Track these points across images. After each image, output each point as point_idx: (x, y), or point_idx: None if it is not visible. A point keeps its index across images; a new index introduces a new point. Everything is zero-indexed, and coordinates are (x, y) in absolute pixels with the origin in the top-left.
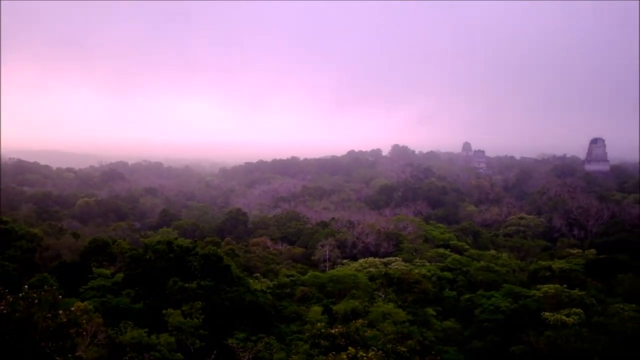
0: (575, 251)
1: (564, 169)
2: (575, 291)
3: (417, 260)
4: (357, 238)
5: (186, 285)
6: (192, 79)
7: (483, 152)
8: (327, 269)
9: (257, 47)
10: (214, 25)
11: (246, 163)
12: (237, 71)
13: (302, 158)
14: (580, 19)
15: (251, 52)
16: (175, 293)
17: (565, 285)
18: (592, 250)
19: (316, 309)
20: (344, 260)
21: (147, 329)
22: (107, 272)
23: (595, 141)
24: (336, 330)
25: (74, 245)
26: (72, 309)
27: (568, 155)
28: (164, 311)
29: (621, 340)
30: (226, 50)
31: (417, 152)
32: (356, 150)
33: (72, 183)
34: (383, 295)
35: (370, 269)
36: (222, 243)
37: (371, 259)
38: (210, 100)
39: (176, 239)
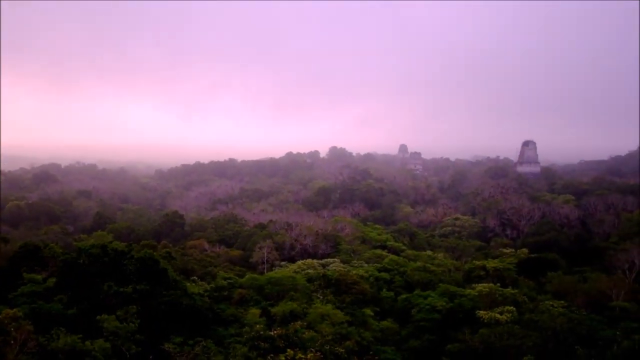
0: (508, 250)
1: (497, 171)
2: (508, 289)
3: (355, 261)
4: (295, 240)
5: (121, 289)
6: (129, 80)
7: (419, 154)
8: (265, 271)
9: (197, 47)
10: (154, 24)
11: (183, 165)
12: (176, 71)
13: (240, 160)
14: (522, 21)
15: (191, 52)
16: (110, 298)
17: (498, 284)
18: (524, 250)
19: (254, 311)
20: (282, 262)
21: (81, 335)
22: (39, 277)
23: (526, 144)
24: (275, 332)
25: (3, 250)
26: (0, 316)
27: (501, 157)
28: (98, 316)
29: (551, 336)
30: (166, 50)
31: (354, 154)
32: (294, 152)
33: (1, 185)
34: (321, 297)
35: (309, 271)
36: (159, 246)
37: (309, 260)
38: (147, 101)
39: (111, 242)
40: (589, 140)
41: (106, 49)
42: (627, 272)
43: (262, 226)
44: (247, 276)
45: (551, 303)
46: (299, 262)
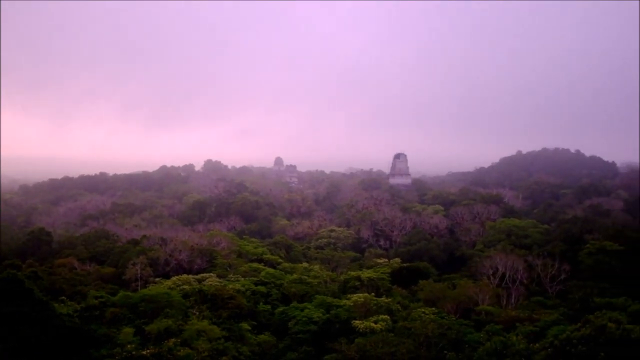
0: (381, 260)
1: (370, 183)
2: (383, 298)
3: (231, 275)
4: (170, 255)
5: None
6: None
7: (294, 166)
8: (139, 288)
9: (67, 50)
10: (22, 24)
11: (50, 179)
12: (42, 77)
13: (111, 174)
14: (401, 33)
15: (61, 55)
16: None
17: (373, 294)
18: (397, 259)
19: (127, 330)
20: (157, 279)
21: None
22: None
23: (398, 156)
24: (148, 351)
25: None
26: None
27: (374, 170)
28: None
29: (423, 342)
30: (32, 53)
31: (230, 167)
32: (168, 165)
33: None
34: (197, 313)
35: (184, 286)
36: (24, 266)
37: (185, 276)
38: (10, 110)
39: None
40: (457, 152)
41: None
42: (491, 277)
43: (135, 242)
44: (120, 294)
45: (423, 310)
46: (174, 278)
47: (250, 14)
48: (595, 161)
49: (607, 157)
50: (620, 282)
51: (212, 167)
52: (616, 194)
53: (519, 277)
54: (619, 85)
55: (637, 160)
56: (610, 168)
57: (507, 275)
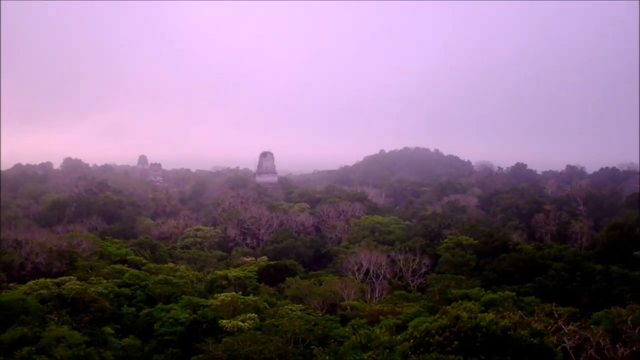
0: (249, 259)
1: (237, 181)
2: (250, 297)
3: (93, 277)
4: (26, 258)
5: None
6: None
7: (159, 165)
8: None
9: None
10: None
11: None
12: None
13: None
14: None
15: None
16: None
17: (240, 292)
18: (264, 257)
19: None
20: (11, 284)
21: None
22: None
23: (264, 155)
24: None
25: None
26: None
27: (241, 168)
28: None
29: (291, 339)
30: None
31: (91, 165)
32: (24, 163)
33: None
34: (56, 318)
35: (42, 291)
36: None
37: (42, 280)
38: None
39: None
40: (323, 151)
41: None
42: (356, 273)
43: None
44: None
45: (290, 307)
46: (31, 283)
47: (128, 10)
48: (453, 160)
49: (463, 156)
50: (475, 274)
51: (72, 165)
52: (471, 191)
53: (383, 272)
54: (479, 89)
55: (490, 160)
56: (466, 167)
57: (371, 271)
